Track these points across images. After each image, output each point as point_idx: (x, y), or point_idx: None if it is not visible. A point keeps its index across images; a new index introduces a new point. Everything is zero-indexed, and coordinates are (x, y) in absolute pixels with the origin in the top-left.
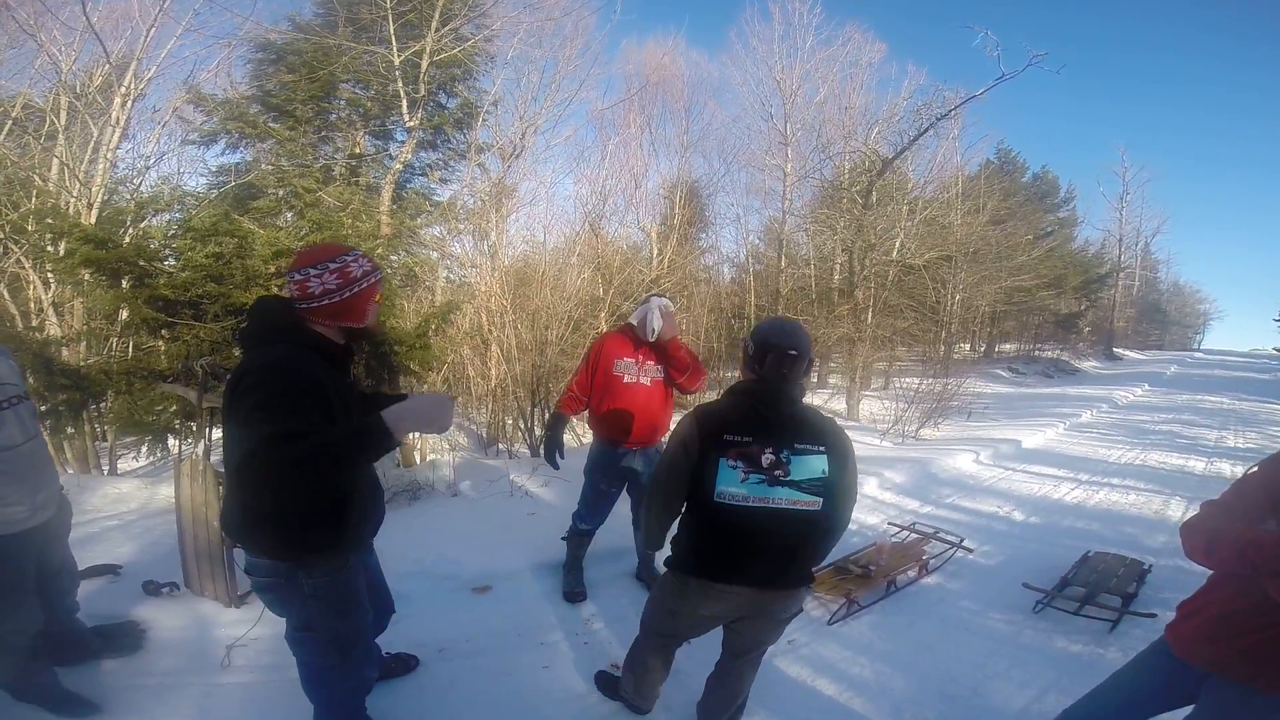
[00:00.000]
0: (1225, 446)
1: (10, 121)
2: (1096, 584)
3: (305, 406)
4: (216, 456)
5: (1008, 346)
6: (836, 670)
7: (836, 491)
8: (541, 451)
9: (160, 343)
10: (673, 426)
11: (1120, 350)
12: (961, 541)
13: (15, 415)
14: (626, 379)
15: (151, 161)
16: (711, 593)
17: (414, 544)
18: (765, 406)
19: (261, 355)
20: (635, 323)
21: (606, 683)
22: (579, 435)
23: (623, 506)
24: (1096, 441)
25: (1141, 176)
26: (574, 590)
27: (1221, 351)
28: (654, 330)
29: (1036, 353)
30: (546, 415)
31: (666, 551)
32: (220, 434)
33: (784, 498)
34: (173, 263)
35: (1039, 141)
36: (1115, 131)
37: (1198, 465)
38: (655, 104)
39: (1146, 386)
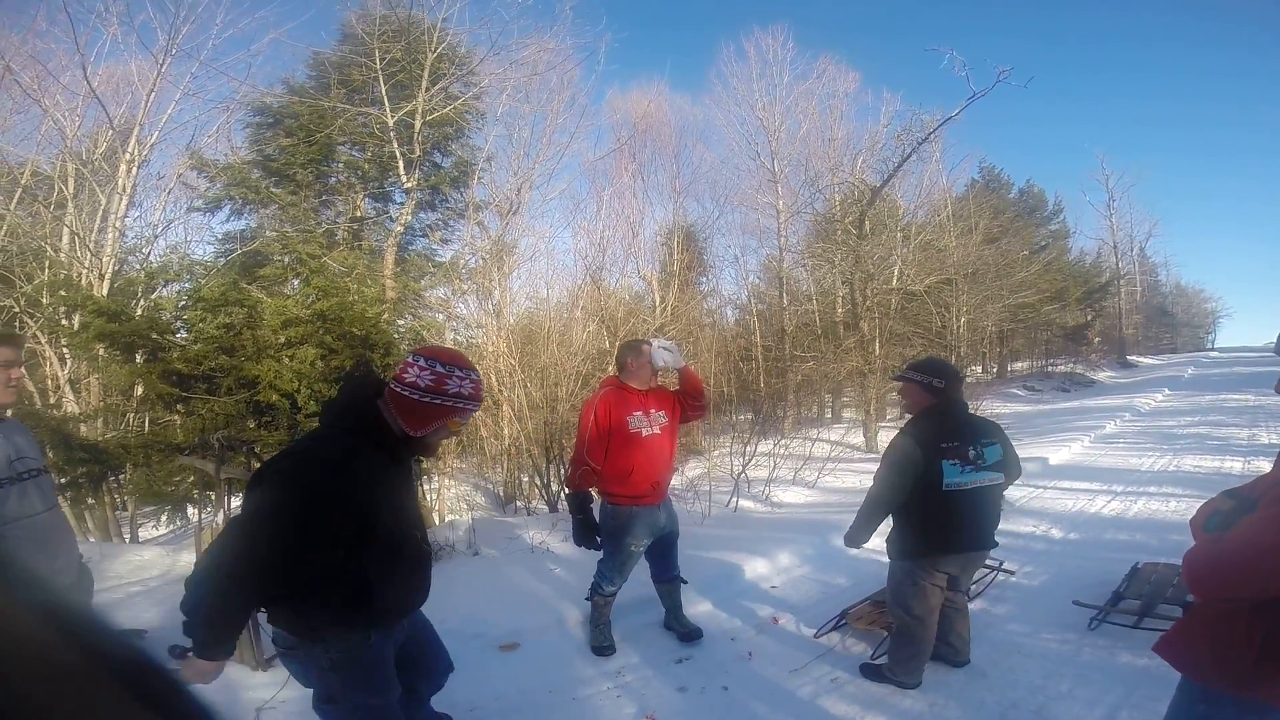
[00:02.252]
0: (1260, 444)
1: (20, 190)
2: (1153, 595)
3: (281, 530)
4: None
5: (1019, 365)
6: (886, 705)
7: (1006, 467)
8: (575, 538)
9: (176, 417)
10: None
11: (1134, 357)
12: (1001, 564)
13: (36, 486)
14: (645, 433)
15: (159, 230)
16: (941, 563)
17: (438, 605)
18: (956, 420)
19: (309, 442)
20: (659, 365)
21: (874, 672)
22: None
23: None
24: (1126, 451)
25: (1125, 181)
26: (603, 645)
27: (1236, 349)
28: (679, 361)
29: (1050, 368)
30: (562, 471)
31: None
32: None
33: (985, 478)
34: (185, 335)
35: (1021, 155)
36: (1093, 135)
37: (1235, 465)
38: (645, 151)
39: (1167, 391)
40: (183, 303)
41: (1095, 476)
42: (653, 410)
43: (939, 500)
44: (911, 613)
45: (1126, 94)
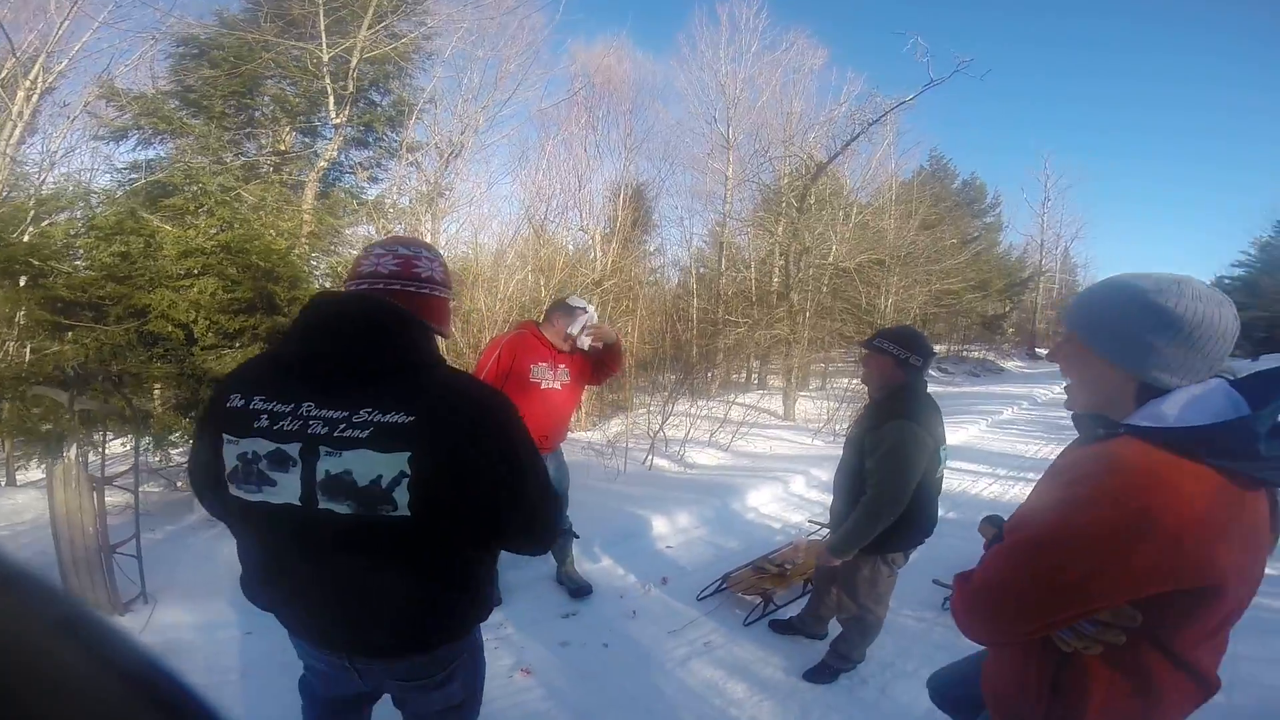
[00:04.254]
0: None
1: None
2: None
3: None
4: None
5: (938, 348)
6: (749, 672)
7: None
8: None
9: (65, 346)
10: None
11: (1041, 350)
12: None
13: None
14: (545, 385)
15: (57, 158)
16: (910, 551)
17: None
18: (928, 401)
19: (461, 378)
20: (574, 331)
21: (822, 673)
22: None
23: None
24: (1015, 437)
25: (1062, 183)
26: None
27: None
28: (612, 336)
29: (964, 353)
30: None
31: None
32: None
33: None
34: (78, 262)
35: (969, 148)
36: (1040, 135)
37: None
38: (601, 105)
39: (1065, 384)
40: (75, 230)
41: (983, 459)
42: (560, 365)
43: (927, 488)
44: (880, 605)
45: (1072, 96)
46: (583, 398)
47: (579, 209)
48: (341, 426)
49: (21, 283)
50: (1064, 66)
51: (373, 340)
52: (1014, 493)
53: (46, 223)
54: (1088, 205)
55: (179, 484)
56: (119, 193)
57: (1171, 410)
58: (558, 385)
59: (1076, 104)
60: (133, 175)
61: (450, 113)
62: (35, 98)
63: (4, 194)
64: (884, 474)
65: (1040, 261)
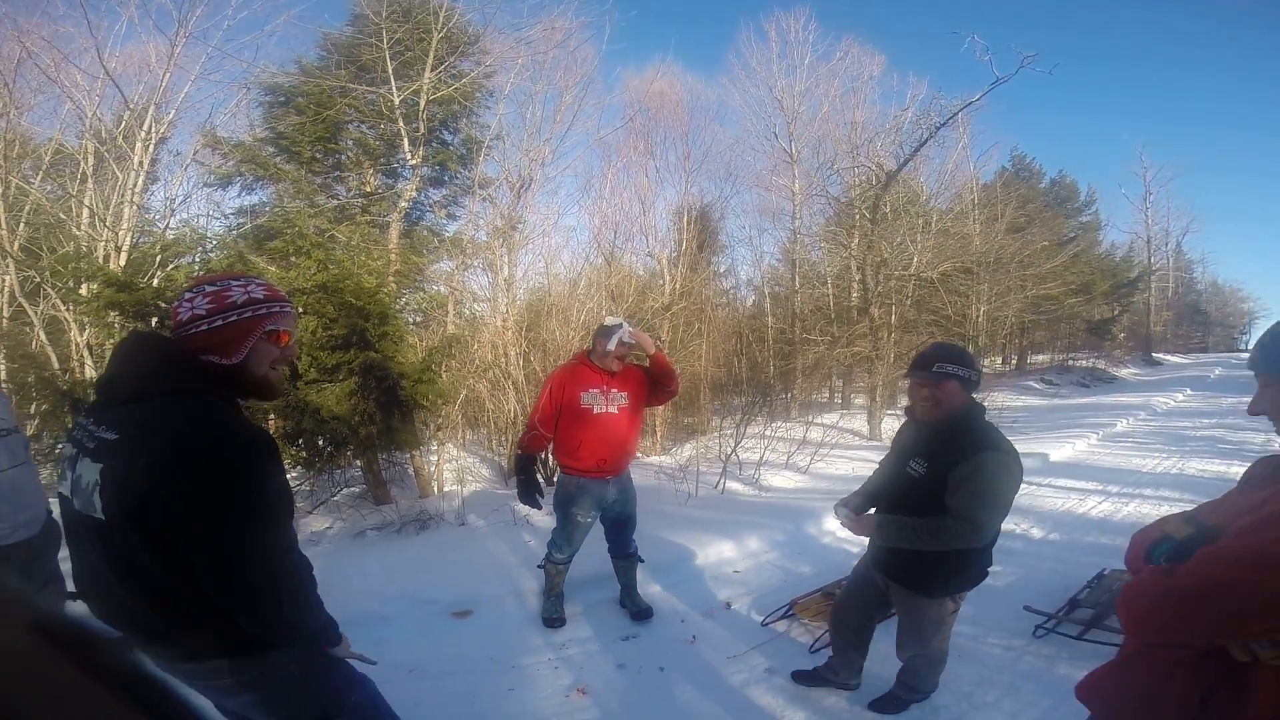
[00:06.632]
0: (1275, 449)
1: (44, 167)
2: (1108, 604)
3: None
4: None
5: (1040, 358)
6: (811, 700)
7: None
8: (518, 495)
9: None
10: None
11: (1160, 355)
12: None
13: (4, 446)
14: (596, 410)
15: (175, 205)
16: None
17: (405, 569)
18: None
19: (194, 413)
20: (610, 348)
21: (890, 703)
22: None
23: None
24: (1131, 451)
25: (1164, 175)
26: (552, 616)
27: None
28: (650, 346)
29: (1070, 362)
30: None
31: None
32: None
33: None
34: None
35: (1055, 145)
36: (1132, 127)
37: (1241, 471)
38: (657, 130)
39: (1189, 391)
40: (195, 274)
41: (1093, 475)
42: (613, 390)
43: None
44: (946, 640)
45: (1166, 91)
46: (653, 421)
47: (644, 234)
48: (88, 438)
49: (154, 323)
50: (1151, 56)
51: (122, 369)
52: (1128, 511)
53: (171, 266)
54: (1197, 197)
55: None
56: (229, 237)
57: None
58: (614, 409)
59: (1165, 97)
60: (239, 220)
61: (517, 148)
62: (152, 146)
63: (136, 240)
64: (977, 508)
65: (1149, 260)
